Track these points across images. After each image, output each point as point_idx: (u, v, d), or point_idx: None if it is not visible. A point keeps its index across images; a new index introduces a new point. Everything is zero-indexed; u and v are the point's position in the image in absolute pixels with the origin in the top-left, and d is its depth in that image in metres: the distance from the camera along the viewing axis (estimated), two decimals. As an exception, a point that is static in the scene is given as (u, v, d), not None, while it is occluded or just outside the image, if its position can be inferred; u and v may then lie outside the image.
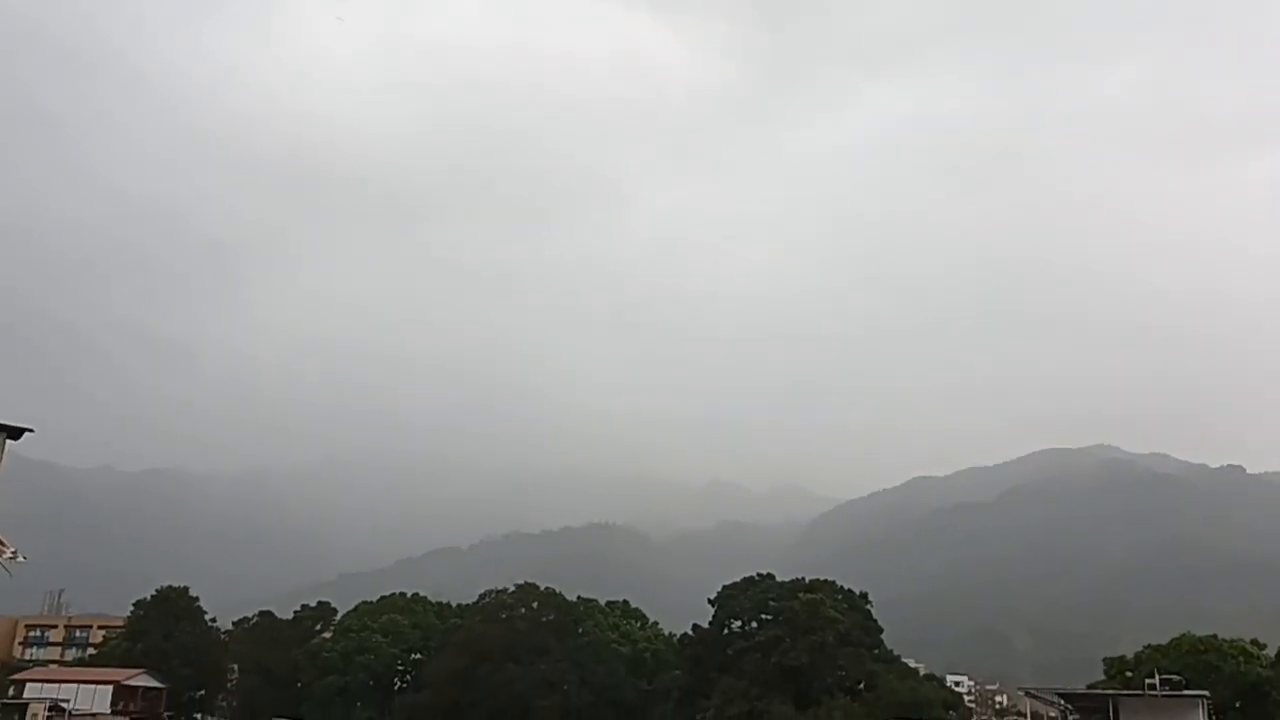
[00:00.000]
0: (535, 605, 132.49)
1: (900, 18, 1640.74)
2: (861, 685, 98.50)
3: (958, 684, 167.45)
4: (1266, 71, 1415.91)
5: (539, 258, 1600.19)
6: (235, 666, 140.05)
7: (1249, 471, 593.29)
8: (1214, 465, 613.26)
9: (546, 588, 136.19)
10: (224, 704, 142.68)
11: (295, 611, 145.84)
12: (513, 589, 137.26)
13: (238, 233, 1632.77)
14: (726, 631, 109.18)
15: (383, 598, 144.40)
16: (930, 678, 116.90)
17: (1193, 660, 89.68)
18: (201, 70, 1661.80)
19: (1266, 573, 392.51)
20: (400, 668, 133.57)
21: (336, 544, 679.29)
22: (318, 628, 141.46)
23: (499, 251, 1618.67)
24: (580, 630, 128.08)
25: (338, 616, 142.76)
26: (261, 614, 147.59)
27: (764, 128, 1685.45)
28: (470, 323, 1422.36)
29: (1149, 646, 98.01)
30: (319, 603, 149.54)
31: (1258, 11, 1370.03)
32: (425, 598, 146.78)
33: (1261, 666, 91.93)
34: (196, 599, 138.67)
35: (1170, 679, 66.42)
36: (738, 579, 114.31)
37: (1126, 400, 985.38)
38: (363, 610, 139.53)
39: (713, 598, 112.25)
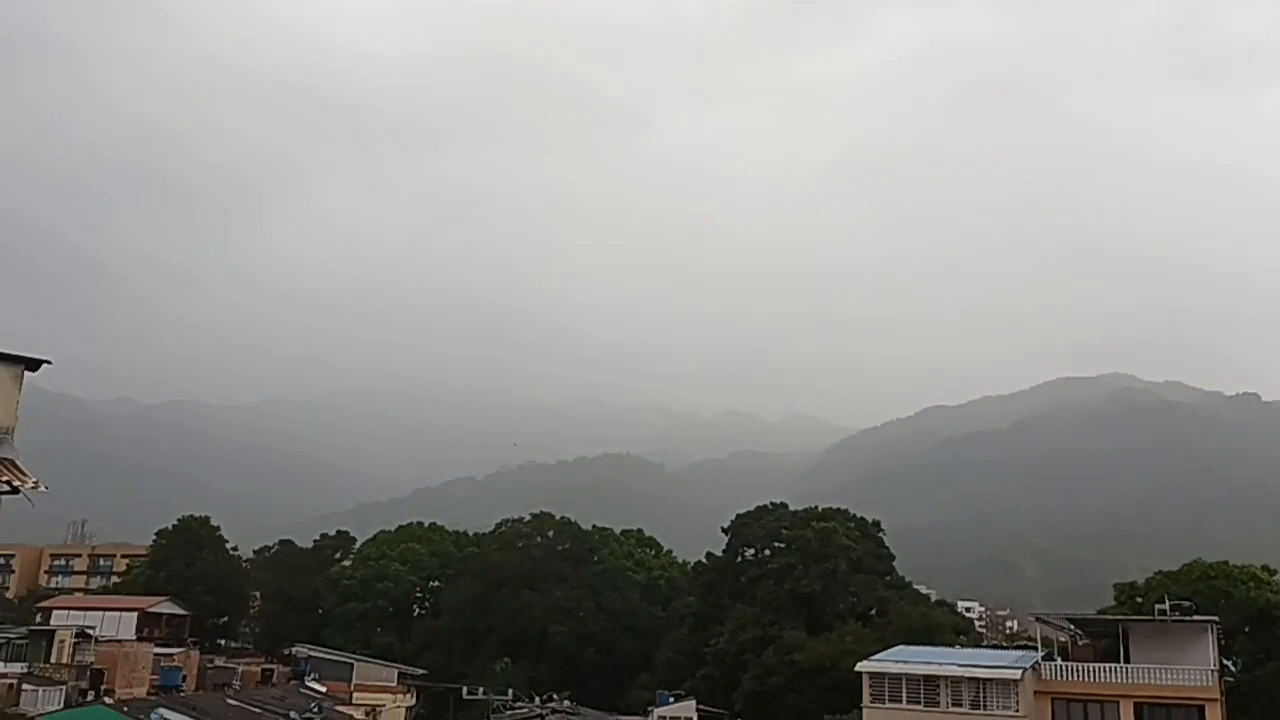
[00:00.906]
0: (551, 534, 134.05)
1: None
2: (873, 611, 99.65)
3: (968, 610, 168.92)
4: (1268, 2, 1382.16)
5: (554, 184, 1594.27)
6: (257, 594, 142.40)
7: (1264, 400, 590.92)
8: (1229, 393, 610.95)
9: (562, 516, 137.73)
10: (247, 630, 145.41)
11: (315, 540, 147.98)
12: (529, 518, 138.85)
13: (249, 159, 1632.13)
14: (740, 559, 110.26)
15: (400, 527, 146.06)
16: (941, 604, 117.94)
17: (1203, 586, 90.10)
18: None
19: (1278, 500, 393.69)
20: (418, 594, 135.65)
21: (353, 473, 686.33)
22: (337, 556, 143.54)
23: (513, 178, 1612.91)
24: (595, 558, 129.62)
25: (356, 545, 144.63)
26: (282, 543, 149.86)
27: (779, 54, 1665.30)
28: (485, 250, 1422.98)
29: (1159, 572, 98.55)
30: (338, 531, 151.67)
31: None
32: (442, 526, 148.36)
33: (1271, 592, 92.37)
34: (217, 528, 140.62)
35: (1180, 605, 66.90)
36: (751, 508, 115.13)
37: (1141, 329, 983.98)
38: (381, 539, 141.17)
39: (726, 526, 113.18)
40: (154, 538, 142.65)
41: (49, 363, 19.21)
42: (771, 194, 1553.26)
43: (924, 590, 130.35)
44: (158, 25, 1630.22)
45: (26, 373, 18.83)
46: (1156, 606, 66.99)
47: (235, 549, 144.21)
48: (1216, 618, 64.98)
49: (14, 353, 18.85)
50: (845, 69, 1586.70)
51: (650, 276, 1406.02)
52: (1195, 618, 63.84)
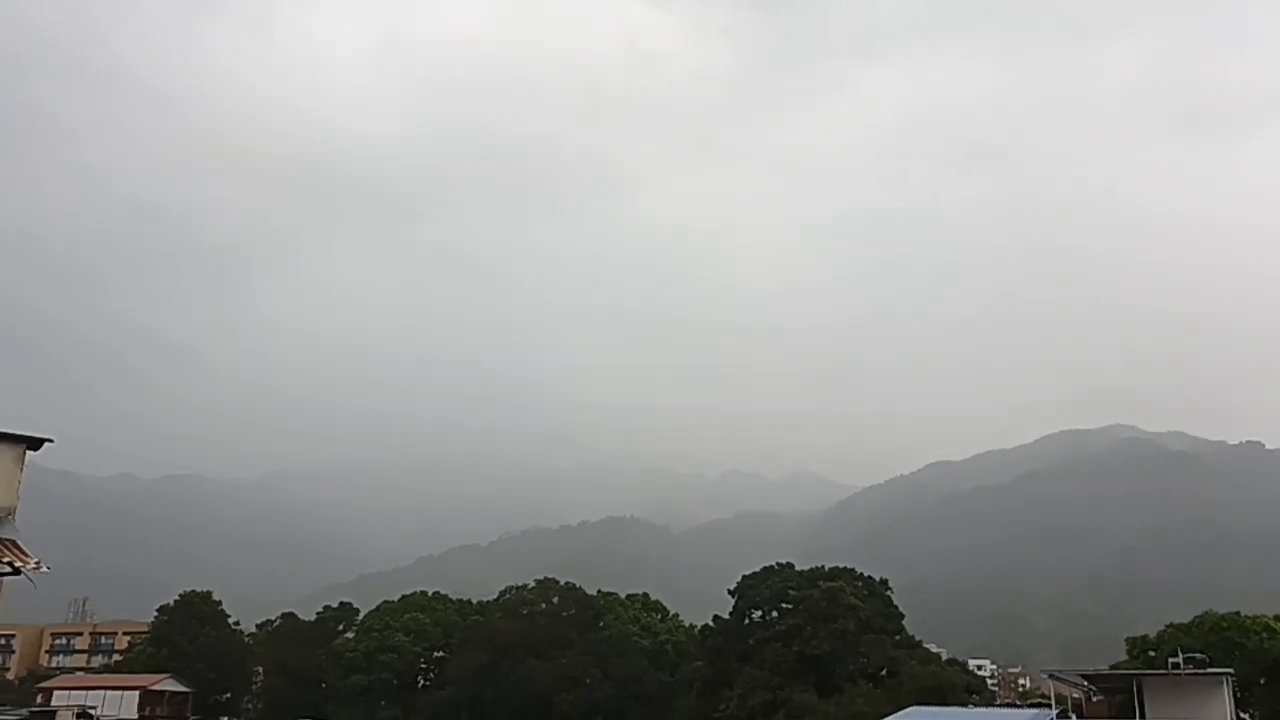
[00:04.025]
0: (555, 600, 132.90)
1: (898, 3, 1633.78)
2: (884, 671, 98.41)
3: (980, 667, 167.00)
4: (1269, 47, 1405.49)
5: (546, 250, 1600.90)
6: (259, 669, 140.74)
7: (1268, 447, 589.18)
8: (1232, 441, 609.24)
9: (566, 582, 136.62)
10: (249, 706, 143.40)
11: (317, 613, 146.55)
12: (532, 584, 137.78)
13: (243, 234, 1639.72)
14: (747, 621, 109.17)
15: (404, 596, 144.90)
16: (953, 662, 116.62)
17: (1215, 638, 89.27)
18: (203, 73, 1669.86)
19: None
20: (423, 665, 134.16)
21: (356, 544, 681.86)
22: (340, 628, 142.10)
23: (506, 245, 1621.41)
24: (601, 624, 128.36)
25: (360, 616, 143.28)
26: (284, 616, 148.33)
27: (766, 115, 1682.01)
28: (480, 317, 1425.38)
29: (1171, 625, 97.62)
30: (341, 603, 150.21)
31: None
32: (446, 595, 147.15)
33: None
34: (219, 603, 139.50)
35: (1194, 657, 66.19)
36: (757, 568, 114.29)
37: (1142, 379, 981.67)
38: (384, 609, 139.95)
39: (732, 588, 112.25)
40: (155, 614, 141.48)
41: (51, 441, 19.26)
42: (765, 254, 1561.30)
43: (934, 648, 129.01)
44: (152, 103, 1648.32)
45: (28, 452, 18.89)
46: (1170, 660, 66.23)
47: (237, 624, 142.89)
48: (1231, 670, 64.31)
49: (16, 432, 18.91)
50: (831, 129, 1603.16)
51: (647, 339, 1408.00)
52: (1210, 670, 63.12)
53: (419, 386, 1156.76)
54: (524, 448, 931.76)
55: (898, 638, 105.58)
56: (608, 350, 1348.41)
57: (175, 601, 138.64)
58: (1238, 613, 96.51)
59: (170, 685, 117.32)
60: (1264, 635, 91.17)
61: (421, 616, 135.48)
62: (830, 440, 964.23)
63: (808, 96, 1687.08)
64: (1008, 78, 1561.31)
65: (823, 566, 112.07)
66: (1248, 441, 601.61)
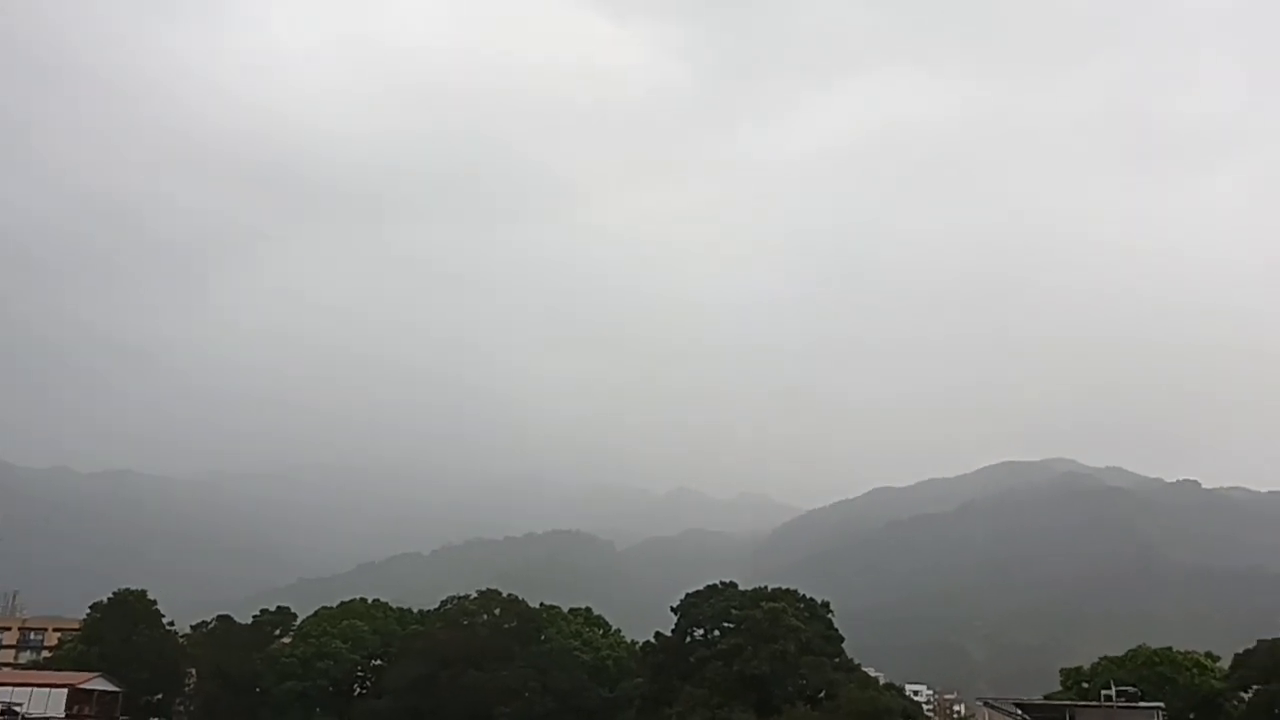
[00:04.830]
0: (497, 612, 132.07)
1: (854, 26, 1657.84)
2: (822, 694, 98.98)
3: (916, 693, 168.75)
4: (1224, 84, 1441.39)
5: (504, 259, 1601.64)
6: (193, 671, 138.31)
7: (1204, 487, 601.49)
8: (1169, 479, 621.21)
9: (509, 594, 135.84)
10: (181, 708, 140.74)
11: (254, 616, 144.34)
12: (475, 595, 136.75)
13: (201, 232, 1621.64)
14: (689, 640, 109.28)
15: (343, 603, 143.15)
16: (890, 686, 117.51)
17: (1148, 672, 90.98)
18: (161, 70, 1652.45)
19: (1219, 585, 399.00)
20: (360, 674, 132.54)
21: (297, 548, 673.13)
22: (277, 633, 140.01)
23: (464, 252, 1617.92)
24: (542, 637, 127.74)
25: (297, 621, 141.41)
26: (220, 618, 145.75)
27: (722, 132, 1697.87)
28: (436, 323, 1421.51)
29: (1105, 658, 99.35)
30: (278, 607, 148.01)
31: (1216, 27, 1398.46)
32: (386, 603, 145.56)
33: (1215, 679, 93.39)
34: (154, 602, 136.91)
35: (1126, 690, 67.40)
36: (701, 587, 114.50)
37: (1082, 414, 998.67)
38: (323, 615, 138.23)
39: (676, 605, 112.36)
40: (88, 611, 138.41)
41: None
42: (720, 270, 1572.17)
43: (873, 673, 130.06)
44: (105, 98, 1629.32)
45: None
46: (1103, 692, 67.43)
47: (172, 624, 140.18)
48: (1162, 704, 65.63)
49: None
50: (787, 148, 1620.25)
51: (601, 352, 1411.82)
52: (1141, 704, 64.39)
53: (372, 389, 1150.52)
54: (473, 456, 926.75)
55: (837, 660, 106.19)
56: (561, 361, 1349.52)
57: (109, 599, 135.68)
58: (1170, 648, 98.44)
59: (100, 684, 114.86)
60: (1195, 671, 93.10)
61: (360, 624, 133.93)
62: (778, 462, 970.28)
63: (763, 115, 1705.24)
64: (966, 107, 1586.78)
65: (766, 587, 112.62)
66: (1184, 480, 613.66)
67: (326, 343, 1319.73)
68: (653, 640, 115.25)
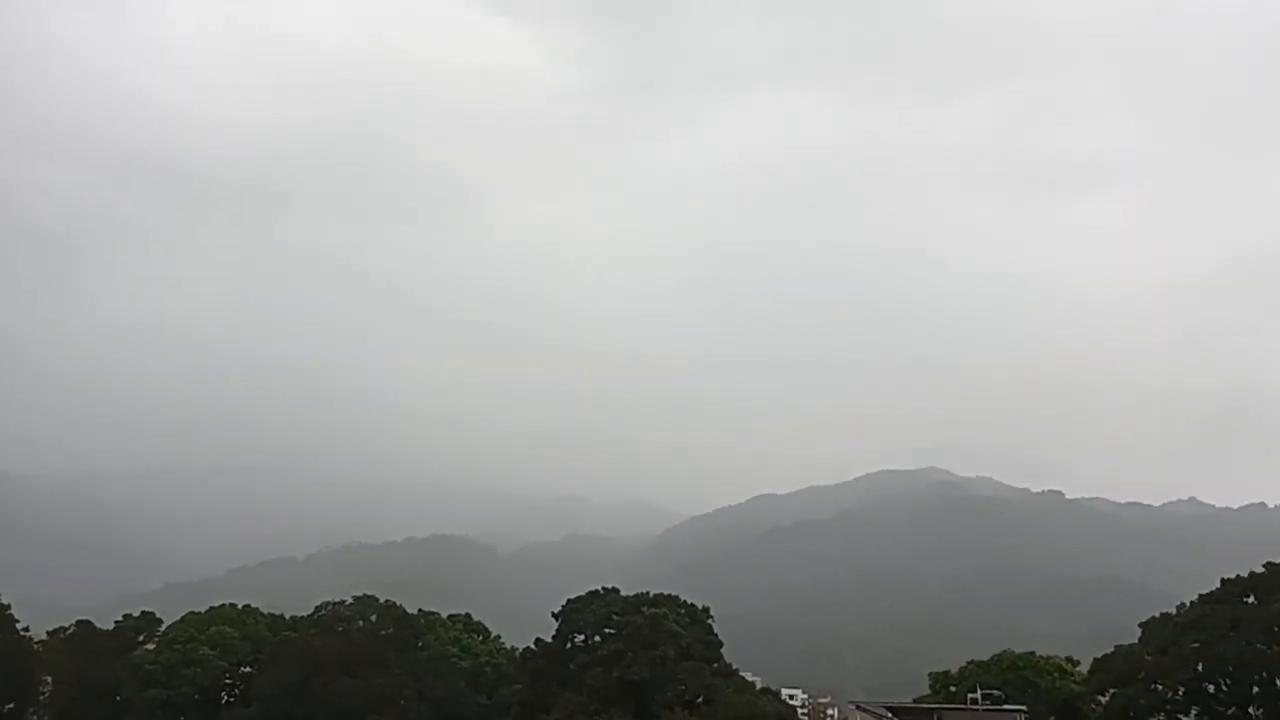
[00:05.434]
0: (374, 618, 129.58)
1: (755, 43, 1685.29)
2: (700, 699, 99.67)
3: (792, 697, 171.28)
4: (1104, 116, 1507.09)
5: (400, 258, 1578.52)
6: (49, 678, 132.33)
7: (1068, 497, 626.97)
8: (1035, 490, 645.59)
9: (386, 600, 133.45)
10: (35, 717, 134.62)
11: (117, 621, 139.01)
12: (350, 601, 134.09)
13: (79, 221, 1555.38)
14: (569, 646, 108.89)
15: (211, 608, 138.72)
16: (767, 691, 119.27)
17: (1012, 676, 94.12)
18: (42, 52, 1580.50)
19: (1081, 593, 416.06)
20: (228, 681, 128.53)
21: (166, 550, 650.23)
22: (141, 638, 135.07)
23: (358, 250, 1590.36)
24: (420, 644, 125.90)
25: (163, 627, 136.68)
26: (79, 623, 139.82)
27: (621, 141, 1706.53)
28: (322, 319, 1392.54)
29: (971, 662, 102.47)
30: (143, 612, 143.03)
31: (1102, 59, 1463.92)
32: (257, 609, 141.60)
33: (1075, 683, 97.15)
34: (8, 606, 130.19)
35: (991, 694, 69.52)
36: (584, 592, 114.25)
37: (958, 426, 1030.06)
38: (190, 621, 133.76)
39: (557, 611, 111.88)
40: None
41: None
42: (611, 277, 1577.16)
43: (750, 677, 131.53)
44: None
45: None
46: (969, 695, 69.42)
47: (27, 629, 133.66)
48: (1024, 707, 67.85)
49: None
50: (683, 160, 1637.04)
51: (488, 354, 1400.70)
52: (1005, 707, 66.44)
53: (253, 387, 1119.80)
54: (356, 458, 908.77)
55: (716, 666, 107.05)
56: (447, 363, 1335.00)
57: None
58: (1033, 653, 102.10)
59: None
60: (1056, 676, 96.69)
61: (229, 630, 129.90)
62: (663, 468, 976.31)
63: (663, 127, 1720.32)
64: (858, 128, 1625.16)
65: (648, 593, 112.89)
66: (1049, 490, 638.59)
67: (209, 338, 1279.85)
68: (532, 646, 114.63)
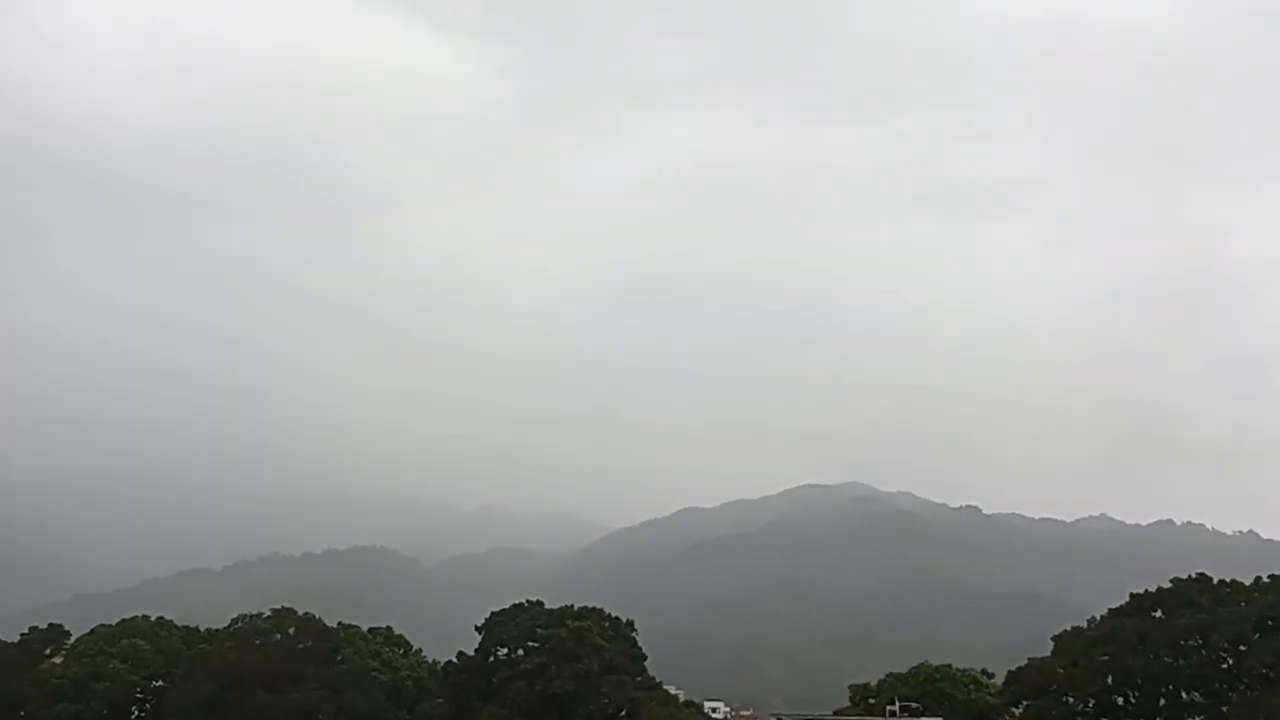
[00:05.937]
0: (292, 631, 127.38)
1: (675, 60, 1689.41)
2: (624, 712, 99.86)
3: (714, 710, 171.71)
4: (1004, 142, 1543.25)
5: (315, 265, 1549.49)
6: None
7: (984, 512, 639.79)
8: (954, 505, 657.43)
9: (305, 613, 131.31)
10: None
11: (22, 634, 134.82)
12: (268, 614, 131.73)
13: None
14: (492, 659, 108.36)
15: (123, 621, 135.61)
16: (689, 704, 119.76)
17: (929, 688, 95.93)
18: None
19: (997, 606, 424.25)
20: (140, 695, 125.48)
21: (75, 562, 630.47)
22: (48, 652, 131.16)
23: (272, 253, 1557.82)
24: (339, 657, 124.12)
25: (71, 640, 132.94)
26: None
27: (543, 154, 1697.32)
28: (236, 325, 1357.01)
29: (890, 675, 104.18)
30: (50, 624, 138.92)
31: (998, 85, 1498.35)
32: (171, 622, 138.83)
33: (990, 695, 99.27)
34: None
35: (908, 705, 70.70)
36: (507, 605, 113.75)
37: (879, 442, 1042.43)
38: (100, 633, 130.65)
39: (480, 624, 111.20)
40: None
41: None
42: (534, 292, 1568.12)
43: (674, 690, 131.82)
44: None
45: None
46: (888, 708, 70.59)
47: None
48: (941, 718, 69.04)
49: None
50: (612, 176, 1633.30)
51: (409, 364, 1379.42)
52: (922, 718, 67.60)
53: (168, 395, 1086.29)
54: (270, 468, 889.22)
55: (639, 679, 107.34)
56: (367, 372, 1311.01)
57: None
58: (949, 666, 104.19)
59: None
60: (971, 687, 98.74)
61: (142, 643, 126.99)
62: (589, 481, 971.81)
63: (586, 140, 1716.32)
64: (778, 145, 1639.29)
65: (572, 606, 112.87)
66: (966, 506, 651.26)
67: (120, 344, 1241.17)
68: (455, 660, 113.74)
